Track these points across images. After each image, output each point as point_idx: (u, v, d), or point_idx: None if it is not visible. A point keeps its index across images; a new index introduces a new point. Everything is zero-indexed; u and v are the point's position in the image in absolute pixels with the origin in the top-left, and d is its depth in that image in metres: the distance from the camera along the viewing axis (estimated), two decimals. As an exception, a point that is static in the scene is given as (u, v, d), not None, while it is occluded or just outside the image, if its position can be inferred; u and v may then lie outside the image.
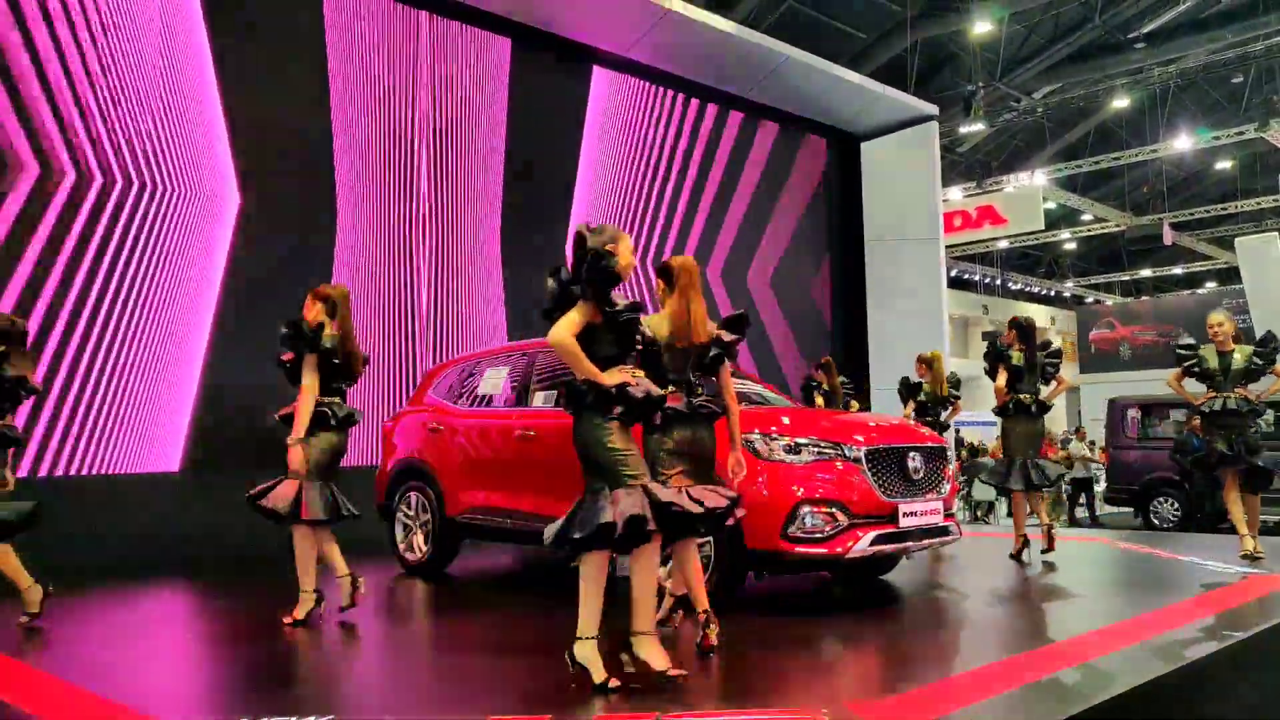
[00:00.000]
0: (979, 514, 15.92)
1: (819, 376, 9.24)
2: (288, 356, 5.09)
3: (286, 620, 4.98)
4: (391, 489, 7.08)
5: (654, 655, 3.66)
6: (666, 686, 3.56)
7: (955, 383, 8.78)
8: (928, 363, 8.71)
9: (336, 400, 5.16)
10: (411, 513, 6.92)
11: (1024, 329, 7.29)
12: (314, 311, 5.17)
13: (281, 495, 4.97)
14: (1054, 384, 7.37)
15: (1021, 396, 7.17)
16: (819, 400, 8.93)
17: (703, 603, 4.26)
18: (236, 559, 7.53)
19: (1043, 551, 7.16)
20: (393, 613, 6.04)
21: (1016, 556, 7.12)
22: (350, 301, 5.27)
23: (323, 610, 5.10)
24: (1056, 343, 7.68)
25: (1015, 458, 7.16)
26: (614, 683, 3.53)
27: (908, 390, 8.84)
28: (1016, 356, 7.21)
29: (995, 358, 7.30)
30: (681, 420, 4.28)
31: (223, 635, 4.91)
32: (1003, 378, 7.20)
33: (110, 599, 6.40)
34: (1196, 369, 6.95)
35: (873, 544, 5.03)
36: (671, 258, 4.53)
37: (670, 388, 4.27)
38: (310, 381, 4.99)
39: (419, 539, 6.86)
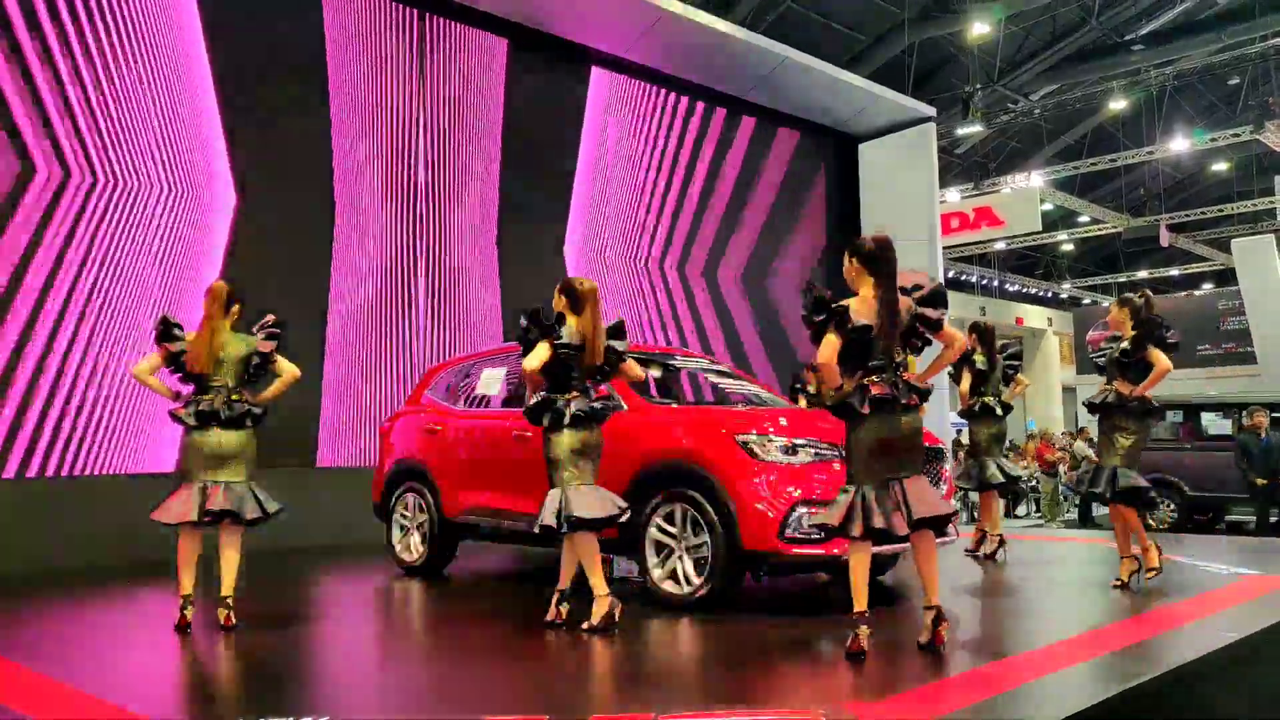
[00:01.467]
0: (976, 515, 15.92)
1: (809, 377, 9.27)
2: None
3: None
4: (388, 490, 7.07)
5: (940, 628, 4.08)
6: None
7: None
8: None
9: (207, 397, 4.94)
10: (409, 514, 6.91)
11: (984, 333, 7.48)
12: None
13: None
14: (1013, 385, 7.53)
15: (986, 399, 7.30)
16: (802, 402, 8.94)
17: (565, 584, 4.90)
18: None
19: (970, 550, 7.26)
20: (389, 614, 6.04)
21: (991, 556, 7.17)
22: (221, 297, 5.02)
23: (188, 617, 4.87)
24: (1015, 347, 7.75)
25: (986, 458, 7.27)
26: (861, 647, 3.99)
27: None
28: (980, 360, 7.33)
29: (960, 362, 7.38)
30: (585, 420, 4.79)
31: (220, 636, 4.90)
32: (966, 381, 7.35)
33: (107, 600, 6.40)
34: (1100, 359, 6.02)
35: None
36: (578, 279, 4.93)
37: (574, 391, 4.81)
38: (141, 369, 4.96)
39: (416, 540, 6.86)
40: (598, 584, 4.73)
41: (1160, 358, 5.70)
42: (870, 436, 4.09)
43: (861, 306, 4.13)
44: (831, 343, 4.07)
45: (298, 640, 4.99)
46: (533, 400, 4.86)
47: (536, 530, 4.77)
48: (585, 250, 11.31)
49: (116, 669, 4.41)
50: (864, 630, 4.01)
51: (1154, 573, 5.84)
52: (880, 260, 4.20)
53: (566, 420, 4.75)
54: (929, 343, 4.34)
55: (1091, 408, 5.96)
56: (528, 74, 10.81)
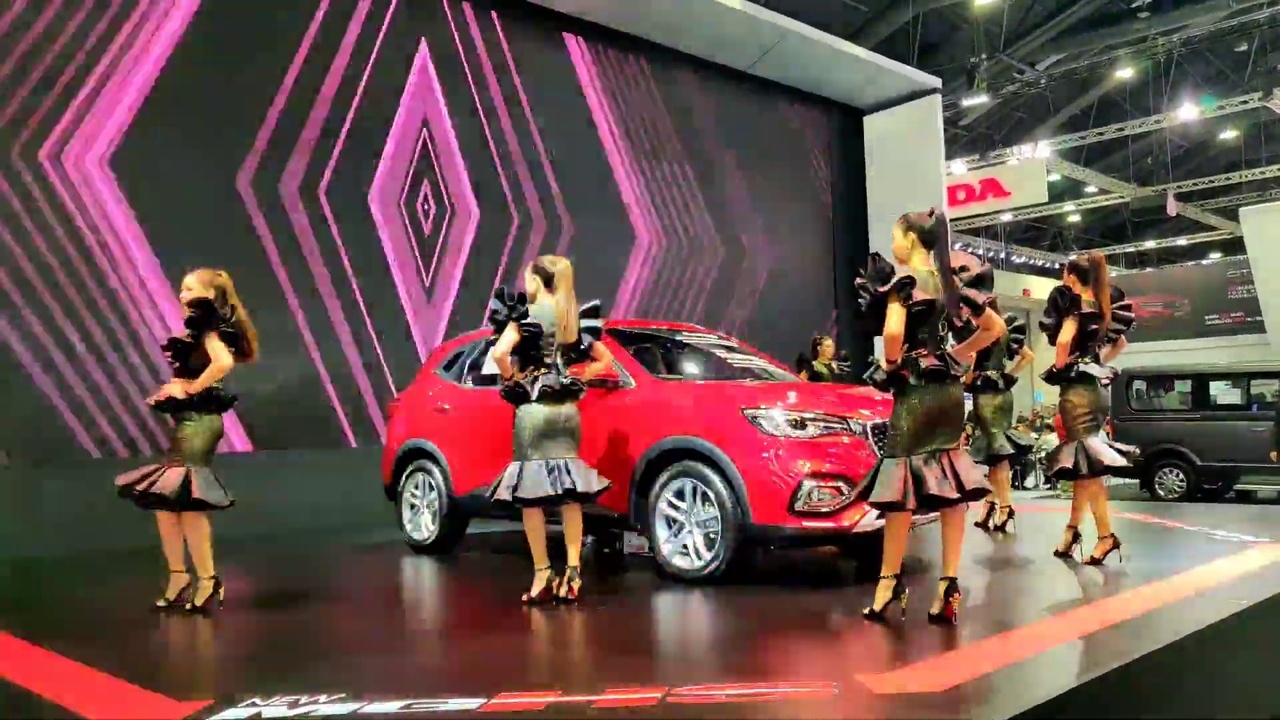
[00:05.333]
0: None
1: (824, 350, 9.30)
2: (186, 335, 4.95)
3: (165, 603, 4.94)
4: (398, 469, 7.09)
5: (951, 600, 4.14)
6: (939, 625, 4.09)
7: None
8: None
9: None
10: (419, 492, 6.94)
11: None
12: None
13: (170, 481, 4.80)
14: (1018, 358, 7.52)
15: (988, 372, 7.26)
16: (802, 377, 8.97)
17: (574, 559, 4.92)
18: (230, 540, 7.56)
19: (979, 523, 7.29)
20: (401, 592, 6.06)
21: (1001, 528, 7.19)
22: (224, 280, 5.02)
23: (222, 595, 4.94)
24: (1019, 319, 7.72)
25: (994, 429, 7.27)
26: (887, 612, 4.20)
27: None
28: None
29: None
30: (554, 396, 4.85)
31: (232, 615, 4.93)
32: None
33: (116, 577, 6.43)
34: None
35: (879, 517, 5.02)
36: (549, 259, 5.02)
37: (544, 369, 4.88)
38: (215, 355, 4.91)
39: (426, 518, 6.88)
40: (540, 557, 4.92)
41: (1066, 328, 5.59)
42: (921, 408, 4.13)
43: (917, 280, 4.15)
44: (899, 313, 4.08)
45: (311, 619, 5.01)
46: (507, 383, 4.93)
47: (490, 501, 4.93)
48: (573, 226, 11.28)
49: (133, 648, 4.43)
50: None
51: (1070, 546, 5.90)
52: (939, 235, 4.25)
53: (534, 395, 4.84)
54: (967, 323, 4.34)
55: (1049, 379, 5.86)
56: (522, 48, 10.76)
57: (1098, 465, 5.53)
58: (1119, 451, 5.60)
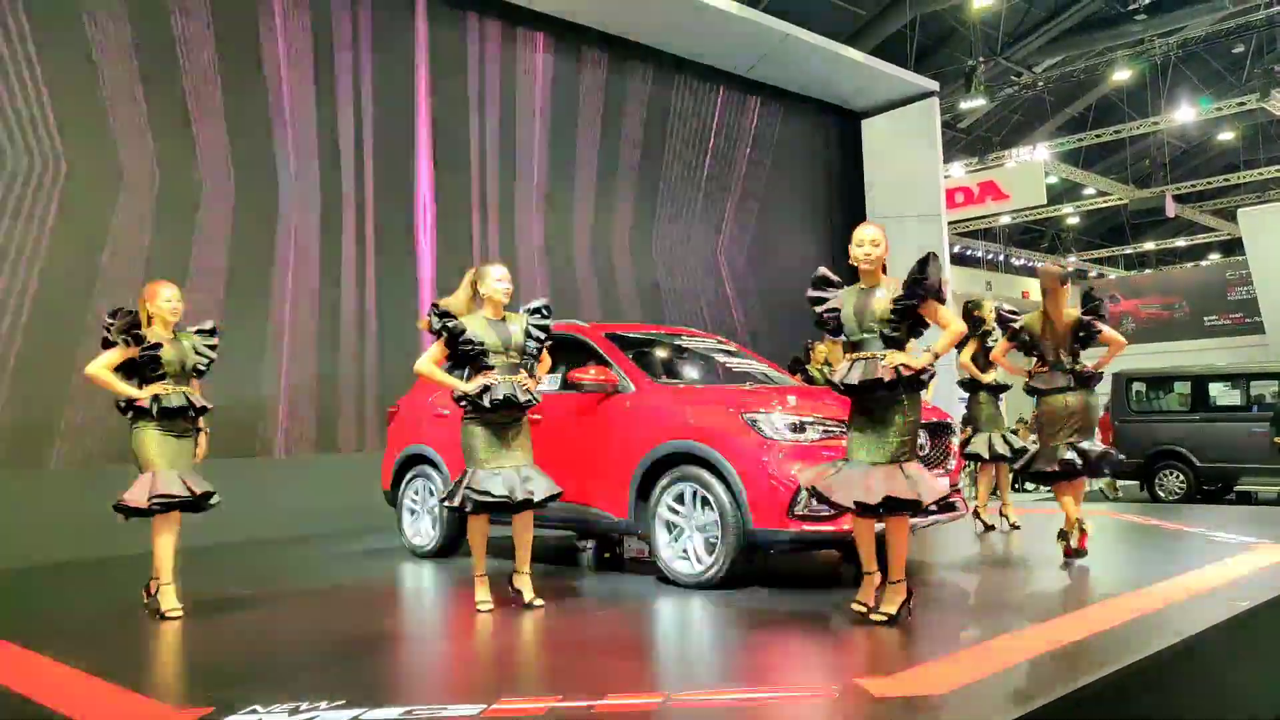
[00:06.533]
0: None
1: (817, 355, 9.32)
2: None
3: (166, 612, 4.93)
4: (398, 475, 7.08)
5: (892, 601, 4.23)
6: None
7: None
8: None
9: (178, 389, 4.97)
10: (418, 498, 6.93)
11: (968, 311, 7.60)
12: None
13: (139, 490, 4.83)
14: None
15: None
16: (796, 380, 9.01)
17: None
18: (222, 545, 7.56)
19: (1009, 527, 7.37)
20: (401, 598, 6.05)
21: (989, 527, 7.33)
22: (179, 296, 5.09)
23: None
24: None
25: (978, 431, 7.47)
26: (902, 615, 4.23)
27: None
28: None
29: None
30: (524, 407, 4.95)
31: (232, 621, 4.92)
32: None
33: (112, 582, 6.43)
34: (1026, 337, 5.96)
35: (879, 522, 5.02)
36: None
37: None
38: (100, 368, 4.89)
39: (426, 524, 6.87)
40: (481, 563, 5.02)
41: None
42: (912, 416, 4.24)
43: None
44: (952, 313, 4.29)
45: (311, 625, 5.01)
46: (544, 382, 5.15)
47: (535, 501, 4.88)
48: (571, 228, 11.29)
49: (127, 654, 4.43)
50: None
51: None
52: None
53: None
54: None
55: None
56: (522, 56, 10.78)
57: (1069, 466, 5.69)
58: (1080, 453, 5.70)
